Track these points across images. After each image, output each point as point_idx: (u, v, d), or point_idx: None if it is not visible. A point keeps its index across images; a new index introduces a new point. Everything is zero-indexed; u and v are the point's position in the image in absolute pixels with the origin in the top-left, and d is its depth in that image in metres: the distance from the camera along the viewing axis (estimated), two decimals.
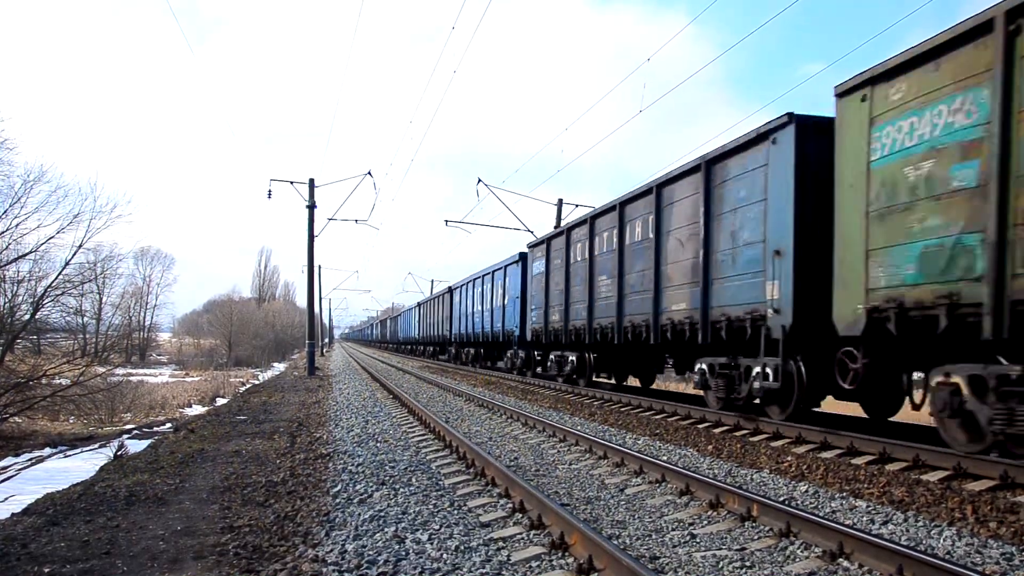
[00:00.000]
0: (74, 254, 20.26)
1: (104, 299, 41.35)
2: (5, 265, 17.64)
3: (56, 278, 19.40)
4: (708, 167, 9.36)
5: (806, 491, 5.80)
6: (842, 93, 7.07)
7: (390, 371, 27.08)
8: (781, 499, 5.46)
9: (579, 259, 14.33)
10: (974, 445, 6.04)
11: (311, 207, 25.32)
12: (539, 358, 18.74)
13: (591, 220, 13.65)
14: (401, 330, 53.56)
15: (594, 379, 15.55)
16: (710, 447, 7.92)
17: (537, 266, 17.21)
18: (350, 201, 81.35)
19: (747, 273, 8.65)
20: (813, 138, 7.74)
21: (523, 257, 19.28)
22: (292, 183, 25.31)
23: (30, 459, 12.03)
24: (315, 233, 25.71)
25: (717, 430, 8.95)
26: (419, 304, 43.45)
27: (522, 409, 11.77)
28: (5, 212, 17.75)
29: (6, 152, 17.70)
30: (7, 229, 17.67)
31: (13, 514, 5.95)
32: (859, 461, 6.60)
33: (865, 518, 4.94)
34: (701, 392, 10.62)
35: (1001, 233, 5.32)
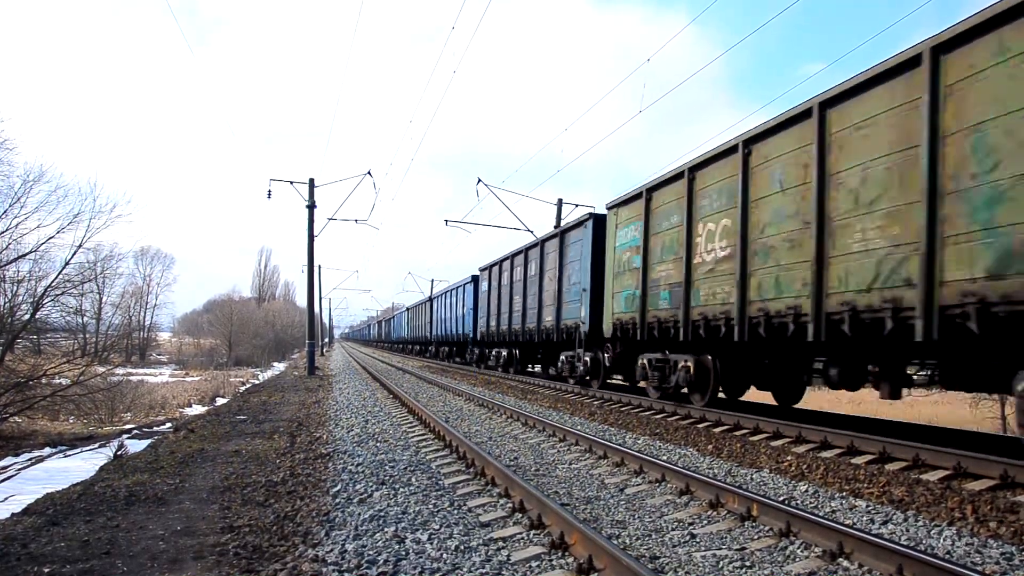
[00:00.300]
0: (74, 254, 20.27)
1: (104, 299, 41.40)
2: (5, 265, 17.64)
3: (56, 278, 19.41)
4: (562, 236, 15.89)
5: (806, 491, 5.80)
6: (609, 207, 13.18)
7: (390, 371, 27.08)
8: (781, 499, 5.46)
9: (504, 283, 20.83)
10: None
11: (311, 207, 25.31)
12: (488, 353, 24.47)
13: (511, 258, 20.24)
14: (393, 331, 59.55)
15: (527, 369, 21.81)
16: (710, 447, 7.93)
17: (483, 286, 23.80)
18: (350, 201, 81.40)
19: (575, 300, 14.96)
20: (602, 226, 13.64)
21: (475, 279, 25.73)
22: (292, 183, 25.31)
23: (30, 459, 12.04)
24: (315, 233, 25.71)
25: (717, 429, 8.95)
26: (407, 309, 50.34)
27: (522, 409, 11.77)
28: (5, 212, 17.77)
29: (6, 152, 17.69)
30: (7, 229, 17.69)
31: (13, 514, 5.95)
32: (859, 461, 6.60)
33: (865, 518, 4.94)
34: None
35: (644, 290, 11.53)
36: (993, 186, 5.53)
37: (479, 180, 24.42)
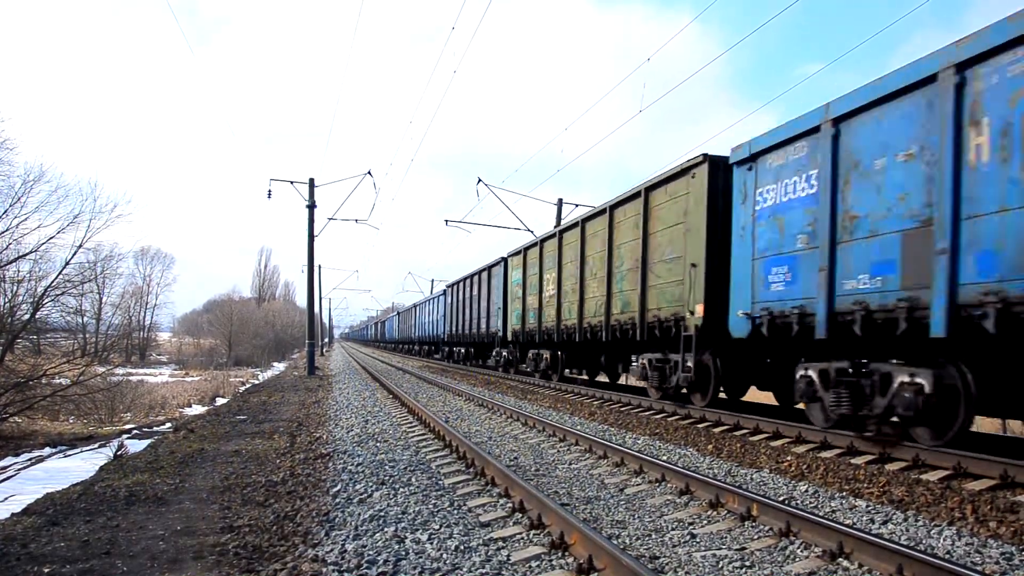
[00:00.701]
0: (74, 254, 20.26)
1: (104, 299, 41.33)
2: (5, 265, 17.63)
3: (56, 278, 19.39)
4: (489, 271, 20.52)
5: (806, 491, 5.80)
6: (506, 256, 18.51)
7: (390, 371, 27.07)
8: (781, 499, 5.46)
9: (462, 298, 24.97)
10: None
11: (311, 207, 25.31)
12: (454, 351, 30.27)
13: (468, 279, 23.64)
14: (387, 332, 66.79)
15: (480, 362, 25.11)
16: (710, 447, 7.92)
17: (448, 299, 28.79)
18: (350, 201, 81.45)
19: (496, 315, 19.26)
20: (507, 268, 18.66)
21: (445, 292, 30.74)
22: (292, 183, 25.31)
23: (30, 459, 12.03)
24: (315, 233, 25.71)
25: (717, 429, 8.95)
26: (398, 313, 58.99)
27: (522, 409, 11.77)
28: (5, 212, 17.74)
29: (6, 152, 17.66)
30: (7, 229, 17.67)
31: (13, 514, 5.95)
32: (859, 461, 6.60)
33: (865, 518, 4.94)
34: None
35: (523, 311, 18.30)
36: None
37: (479, 180, 24.46)
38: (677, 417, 10.25)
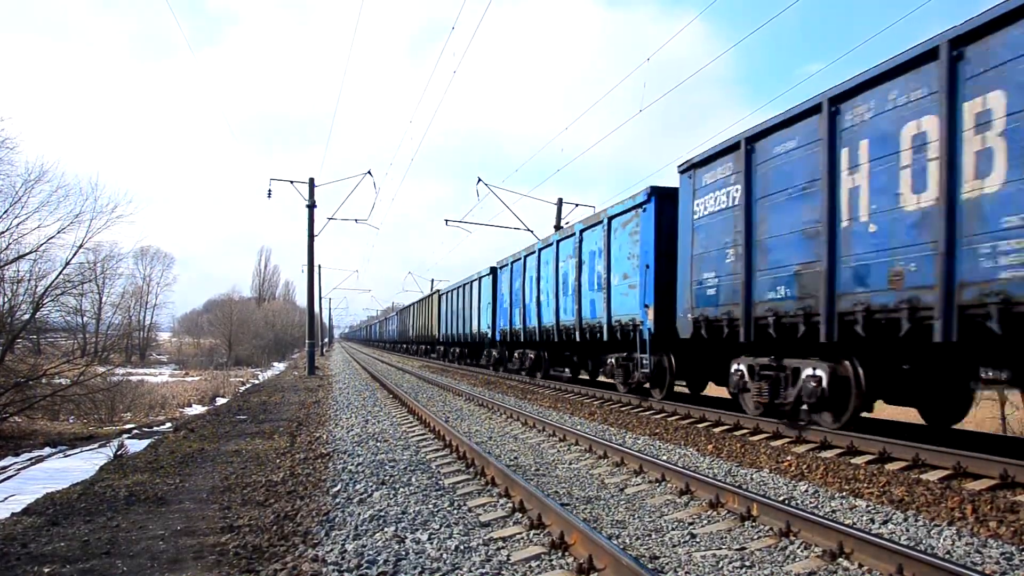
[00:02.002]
0: (74, 254, 20.19)
1: (104, 299, 41.22)
2: (5, 265, 17.60)
3: (56, 278, 19.33)
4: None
5: (806, 491, 5.80)
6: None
7: (390, 371, 27.08)
8: (781, 499, 5.46)
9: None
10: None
11: (311, 207, 25.32)
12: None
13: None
14: (385, 333, 70.31)
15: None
16: (710, 447, 7.93)
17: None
18: (350, 201, 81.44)
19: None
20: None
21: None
22: (292, 183, 25.33)
23: (30, 459, 12.03)
24: (315, 233, 25.72)
25: (717, 429, 8.95)
26: (390, 316, 64.07)
27: (522, 409, 11.77)
28: (5, 212, 17.70)
29: (7, 152, 17.62)
30: (7, 229, 17.63)
31: (13, 514, 5.95)
32: (859, 461, 6.60)
33: (865, 518, 4.94)
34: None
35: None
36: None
37: (479, 180, 24.49)
38: (677, 417, 10.25)
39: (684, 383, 12.40)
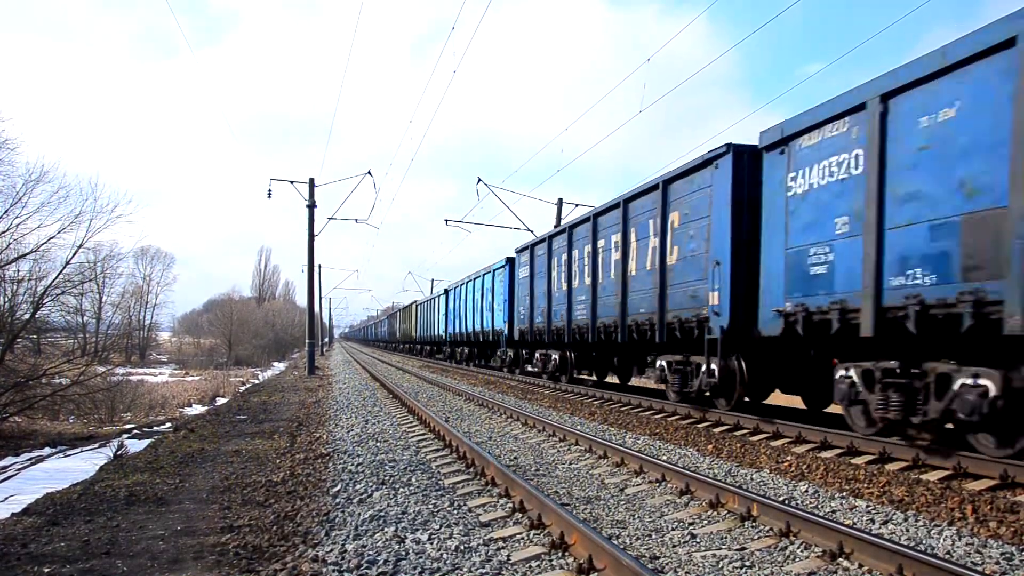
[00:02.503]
0: (74, 254, 20.13)
1: (104, 298, 41.17)
2: (5, 265, 17.58)
3: (56, 278, 19.28)
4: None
5: (806, 491, 5.80)
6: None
7: (390, 371, 27.07)
8: (781, 499, 5.46)
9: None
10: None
11: (311, 207, 25.32)
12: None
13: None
14: (381, 333, 75.25)
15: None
16: (710, 447, 7.92)
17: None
18: (350, 201, 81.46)
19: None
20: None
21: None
22: (292, 183, 25.32)
23: (30, 459, 12.02)
24: (315, 233, 25.72)
25: (717, 430, 8.95)
26: (393, 314, 66.13)
27: (522, 409, 11.76)
28: (6, 212, 17.67)
29: (7, 152, 17.60)
30: (8, 229, 17.60)
31: (13, 514, 5.95)
32: (859, 461, 6.60)
33: (865, 518, 4.94)
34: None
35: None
36: None
37: (479, 180, 24.49)
38: (677, 417, 10.25)
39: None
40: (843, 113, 6.98)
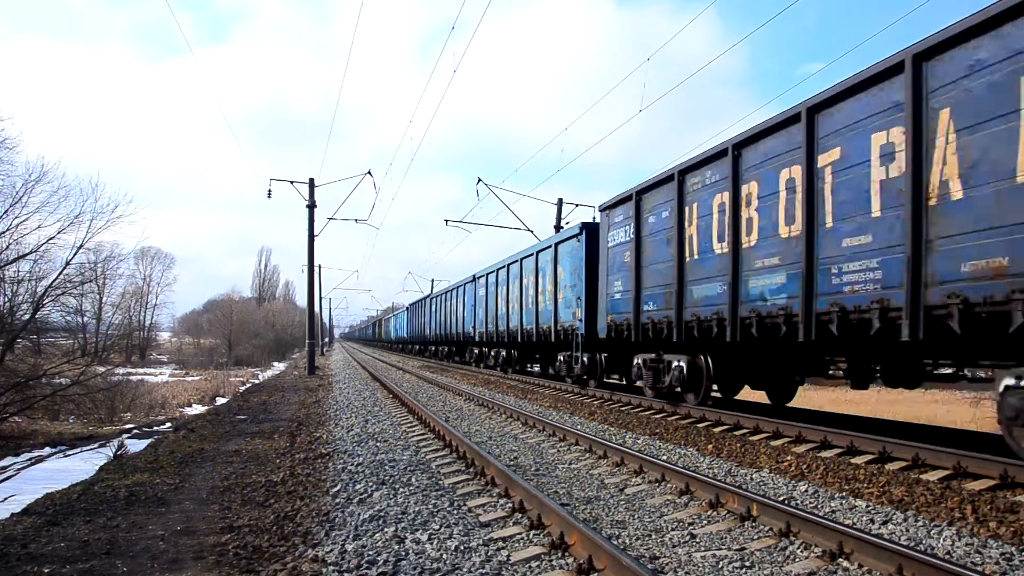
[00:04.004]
0: (75, 254, 20.10)
1: (104, 299, 41.18)
2: (5, 265, 17.59)
3: (56, 278, 19.28)
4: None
5: (806, 491, 5.80)
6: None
7: (390, 370, 27.08)
8: (781, 499, 5.46)
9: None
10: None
11: (311, 207, 25.32)
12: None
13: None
14: (383, 333, 75.82)
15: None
16: (710, 446, 7.92)
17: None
18: (350, 201, 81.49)
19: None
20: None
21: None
22: (292, 183, 25.33)
23: (30, 459, 12.02)
24: (315, 233, 25.73)
25: (717, 429, 8.95)
26: (381, 319, 72.65)
27: (522, 408, 11.76)
28: (6, 212, 17.66)
29: (7, 152, 17.59)
30: (7, 229, 17.60)
31: (13, 514, 5.95)
32: (859, 460, 6.60)
33: (865, 518, 4.94)
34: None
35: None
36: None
37: (479, 180, 24.48)
38: (677, 417, 10.25)
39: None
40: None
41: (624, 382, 15.11)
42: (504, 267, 20.45)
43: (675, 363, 10.73)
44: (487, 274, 22.19)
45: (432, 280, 53.73)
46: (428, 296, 38.53)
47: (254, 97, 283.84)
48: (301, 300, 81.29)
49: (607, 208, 12.45)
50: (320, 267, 55.72)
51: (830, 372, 9.33)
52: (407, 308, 54.40)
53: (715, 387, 10.67)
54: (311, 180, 25.27)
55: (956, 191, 5.67)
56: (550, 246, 16.50)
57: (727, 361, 10.02)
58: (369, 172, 25.38)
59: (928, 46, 5.92)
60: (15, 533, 5.17)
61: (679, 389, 10.91)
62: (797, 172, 7.54)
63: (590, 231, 13.94)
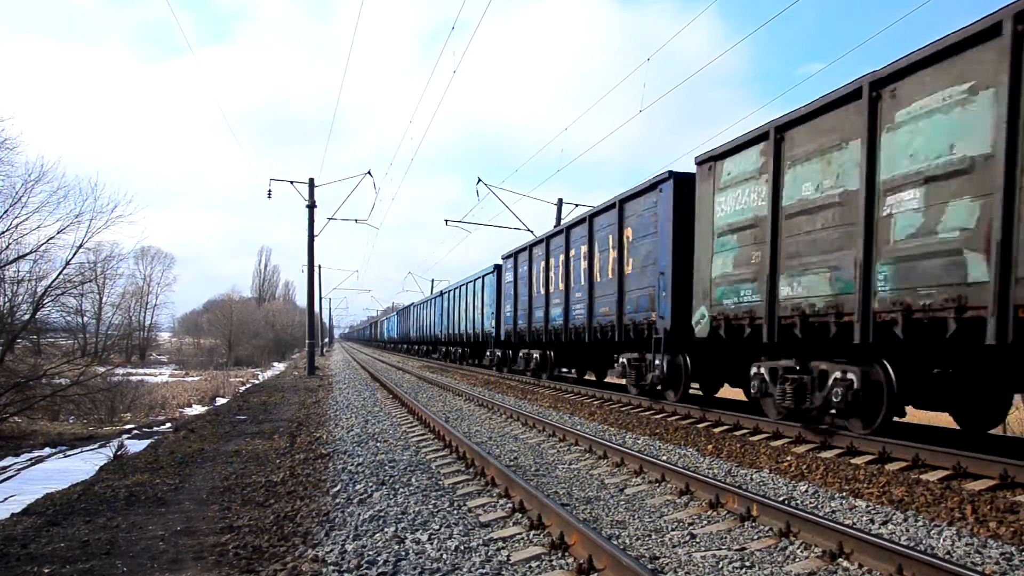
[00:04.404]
0: (74, 254, 20.10)
1: (104, 299, 41.20)
2: (5, 265, 17.59)
3: (56, 278, 19.28)
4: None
5: (806, 491, 5.80)
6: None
7: (390, 371, 27.08)
8: (781, 499, 5.46)
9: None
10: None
11: (311, 207, 25.32)
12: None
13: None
14: (377, 333, 78.99)
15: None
16: (710, 447, 7.92)
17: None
18: (350, 201, 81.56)
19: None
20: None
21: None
22: (292, 183, 25.32)
23: (30, 459, 12.03)
24: (315, 233, 25.72)
25: (717, 430, 8.95)
26: (384, 319, 71.91)
27: (522, 409, 11.76)
28: (6, 212, 17.66)
29: (7, 152, 17.59)
30: (7, 229, 17.60)
31: (13, 514, 5.95)
32: (859, 461, 6.60)
33: (865, 518, 4.94)
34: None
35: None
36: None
37: (479, 180, 24.50)
38: (677, 417, 10.25)
39: None
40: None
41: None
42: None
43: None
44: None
45: (432, 280, 53.80)
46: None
47: (254, 97, 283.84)
48: (301, 300, 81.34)
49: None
50: (320, 267, 55.78)
51: None
52: (397, 313, 59.40)
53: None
54: (311, 180, 25.28)
55: None
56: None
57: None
58: (369, 172, 25.41)
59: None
60: (15, 533, 5.17)
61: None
62: None
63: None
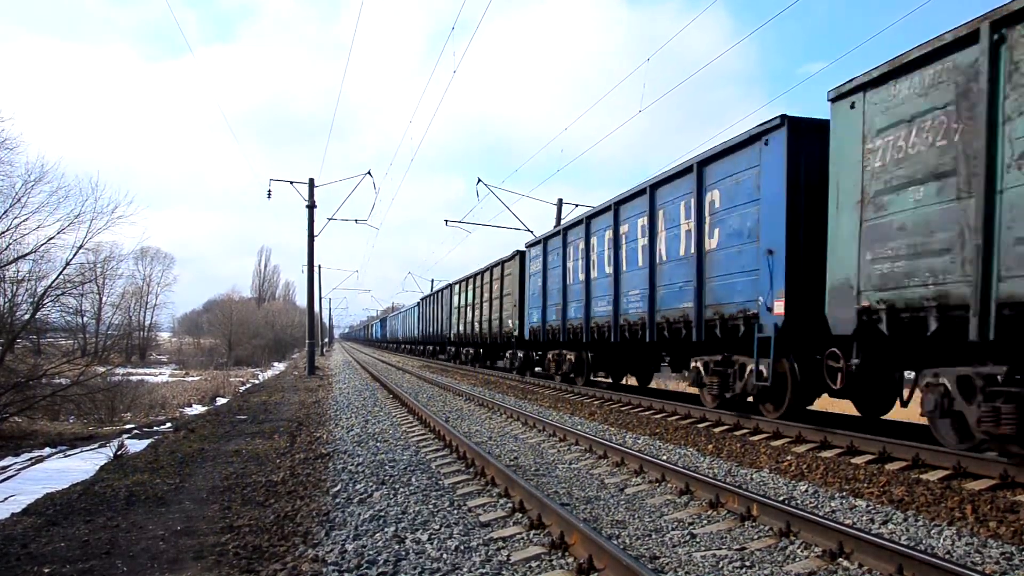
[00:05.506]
0: (75, 254, 20.10)
1: (104, 299, 41.25)
2: (5, 265, 17.59)
3: (56, 278, 19.29)
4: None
5: (806, 490, 5.80)
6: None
7: (390, 371, 27.07)
8: (781, 499, 5.46)
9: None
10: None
11: (311, 207, 25.32)
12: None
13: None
14: (373, 334, 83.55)
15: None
16: (710, 446, 7.92)
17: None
18: (350, 201, 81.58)
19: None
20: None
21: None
22: (292, 183, 25.32)
23: (30, 459, 12.02)
24: (315, 233, 25.72)
25: (717, 429, 8.95)
26: (378, 320, 76.07)
27: (522, 409, 11.76)
28: (6, 212, 17.66)
29: (7, 152, 17.60)
30: (8, 229, 17.60)
31: (13, 514, 5.95)
32: (859, 460, 6.60)
33: (865, 518, 4.94)
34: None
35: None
36: None
37: (479, 180, 24.49)
38: (677, 417, 10.25)
39: None
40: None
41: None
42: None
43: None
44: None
45: (432, 280, 53.78)
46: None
47: (255, 96, 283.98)
48: (301, 300, 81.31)
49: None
50: (320, 267, 55.77)
51: None
52: (384, 320, 63.19)
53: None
54: (311, 180, 25.28)
55: None
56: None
57: None
58: (369, 172, 25.41)
59: None
60: (15, 533, 5.16)
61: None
62: None
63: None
